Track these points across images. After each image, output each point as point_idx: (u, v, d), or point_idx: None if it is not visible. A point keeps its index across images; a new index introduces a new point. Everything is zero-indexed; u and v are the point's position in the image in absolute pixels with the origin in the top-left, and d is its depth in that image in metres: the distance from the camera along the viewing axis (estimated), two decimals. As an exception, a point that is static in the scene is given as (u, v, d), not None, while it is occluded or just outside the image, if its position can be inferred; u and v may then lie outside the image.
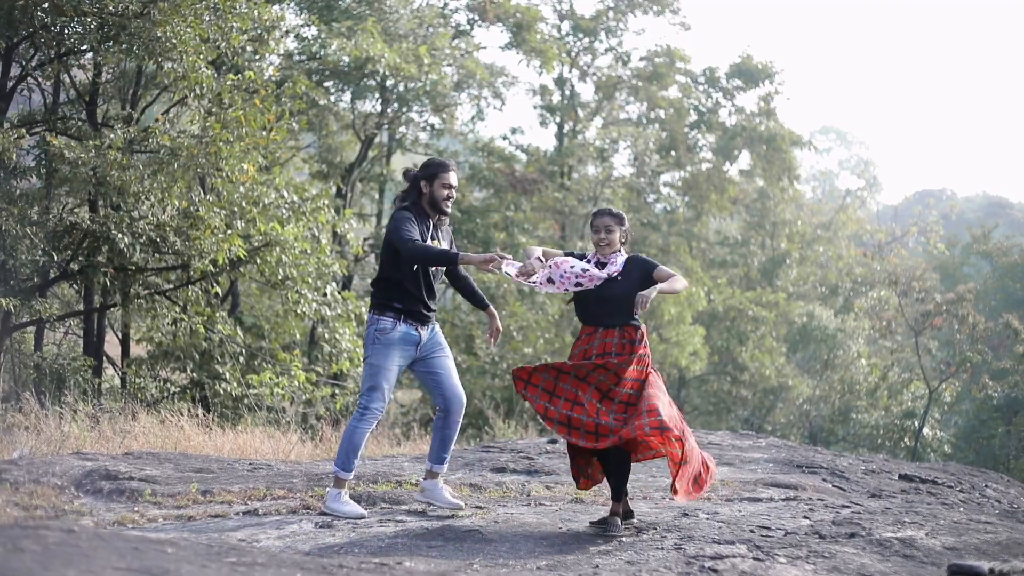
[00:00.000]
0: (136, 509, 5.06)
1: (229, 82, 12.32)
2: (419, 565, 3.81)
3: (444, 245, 5.24)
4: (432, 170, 5.20)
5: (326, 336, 15.33)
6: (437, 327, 5.35)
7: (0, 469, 5.42)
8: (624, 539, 4.83)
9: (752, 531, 5.00)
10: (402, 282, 5.11)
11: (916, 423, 25.02)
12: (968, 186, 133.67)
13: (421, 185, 5.21)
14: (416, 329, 5.16)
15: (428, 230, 5.19)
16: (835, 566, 4.11)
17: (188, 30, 11.45)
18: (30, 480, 5.30)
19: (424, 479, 5.43)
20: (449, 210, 5.26)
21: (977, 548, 4.79)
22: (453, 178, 5.23)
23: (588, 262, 5.16)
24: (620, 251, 5.21)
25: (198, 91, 12.11)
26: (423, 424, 18.05)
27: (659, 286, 5.09)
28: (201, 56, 11.73)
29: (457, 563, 4.14)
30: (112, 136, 11.46)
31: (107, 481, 5.44)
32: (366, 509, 5.42)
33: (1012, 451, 26.89)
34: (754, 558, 4.15)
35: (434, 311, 5.29)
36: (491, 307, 5.44)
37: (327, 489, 5.32)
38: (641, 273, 5.13)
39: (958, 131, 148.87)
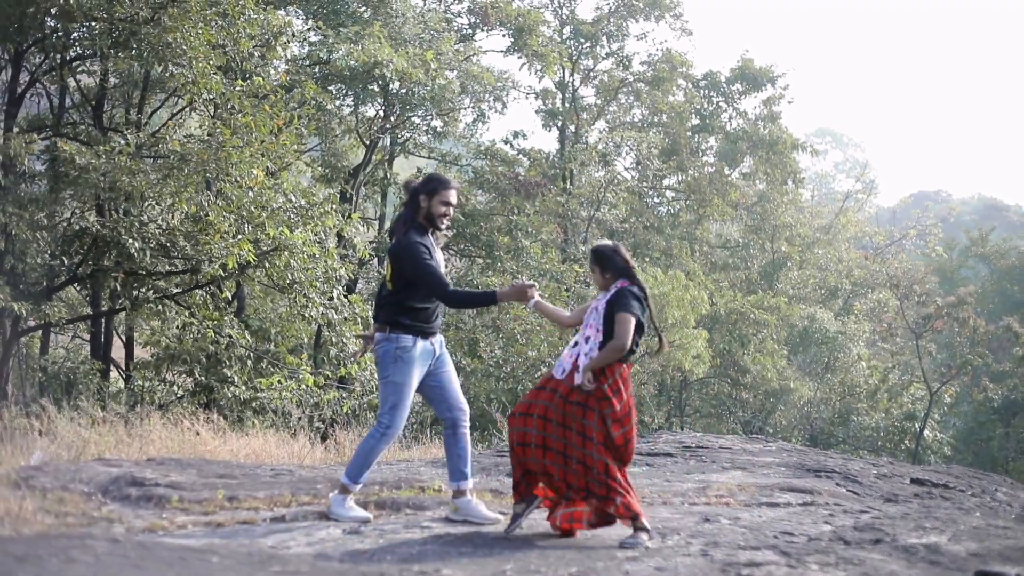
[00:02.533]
0: (164, 516, 5.08)
1: (238, 88, 12.36)
2: (456, 572, 3.84)
3: (437, 256, 5.22)
4: (432, 186, 5.19)
5: (332, 340, 15.34)
6: (442, 338, 5.37)
7: (27, 476, 5.45)
8: (650, 545, 4.87)
9: (776, 537, 5.04)
10: (419, 303, 5.14)
11: (916, 425, 25.10)
12: (963, 187, 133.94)
13: (420, 199, 5.19)
14: (432, 344, 5.20)
15: (436, 242, 5.23)
16: (866, 573, 4.15)
17: (198, 36, 11.49)
18: (58, 487, 5.33)
19: (453, 498, 5.31)
20: (443, 227, 5.23)
21: (1000, 554, 4.83)
22: (453, 196, 5.20)
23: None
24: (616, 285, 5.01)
25: (206, 95, 12.15)
26: (431, 424, 18.07)
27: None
28: (211, 62, 11.77)
29: (490, 570, 4.18)
30: (123, 142, 11.50)
31: (134, 487, 5.47)
32: (391, 515, 5.46)
33: (1011, 453, 27.00)
34: (787, 565, 4.18)
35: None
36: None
37: (331, 495, 5.28)
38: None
39: (952, 133, 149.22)
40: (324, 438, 11.76)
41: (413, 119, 21.44)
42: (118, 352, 17.36)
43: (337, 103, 19.95)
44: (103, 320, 14.63)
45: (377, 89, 19.81)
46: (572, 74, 25.86)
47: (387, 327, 5.14)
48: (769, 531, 5.19)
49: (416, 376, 5.13)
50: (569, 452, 4.86)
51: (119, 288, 12.59)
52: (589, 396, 4.86)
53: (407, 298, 5.13)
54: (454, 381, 5.32)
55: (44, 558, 2.83)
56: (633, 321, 4.87)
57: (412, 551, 4.55)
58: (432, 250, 5.18)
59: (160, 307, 13.69)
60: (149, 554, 3.21)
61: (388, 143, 22.13)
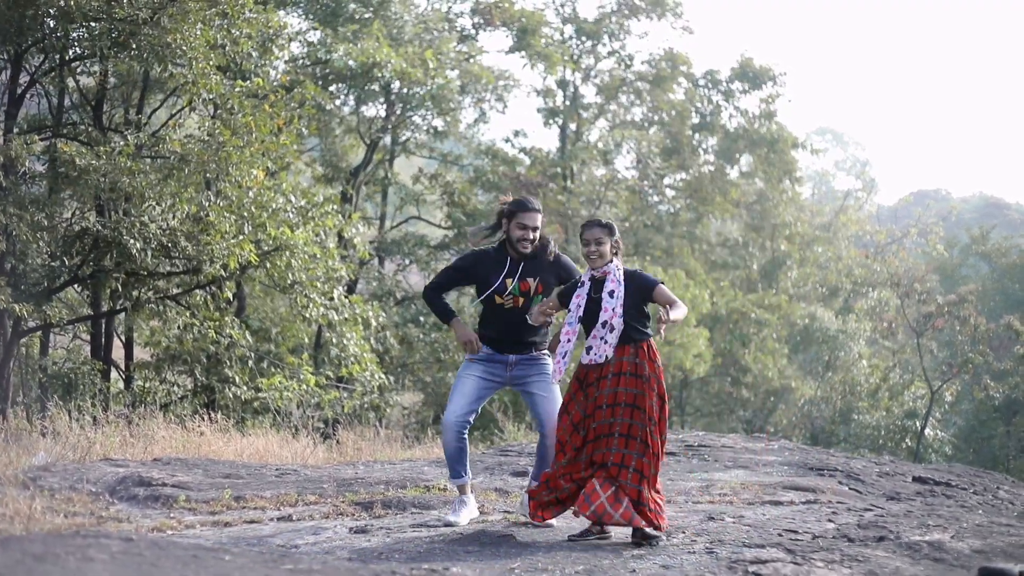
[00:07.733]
0: (172, 516, 5.11)
1: (238, 88, 12.38)
2: (465, 571, 3.87)
3: (532, 284, 5.04)
4: (511, 208, 5.06)
5: (333, 340, 15.37)
6: (541, 355, 5.18)
7: (35, 476, 5.47)
8: (656, 543, 4.89)
9: (780, 534, 5.07)
10: (484, 313, 5.20)
11: (917, 424, 25.15)
12: (963, 186, 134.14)
13: (503, 222, 5.10)
14: (503, 353, 5.12)
15: (506, 267, 5.03)
16: (871, 570, 4.18)
17: (198, 36, 11.49)
18: (66, 487, 5.35)
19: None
20: (526, 251, 5.03)
21: (1003, 551, 4.85)
22: (531, 219, 4.99)
23: (581, 282, 4.96)
24: (613, 262, 4.91)
25: (206, 96, 12.16)
26: (432, 424, 18.09)
27: (675, 314, 4.78)
28: (211, 62, 11.78)
29: (498, 569, 4.20)
30: (123, 143, 11.50)
31: (141, 487, 5.50)
32: (397, 514, 5.48)
33: (1011, 451, 27.04)
34: (793, 563, 4.21)
35: (524, 341, 5.13)
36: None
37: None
38: (638, 290, 4.86)
39: (952, 132, 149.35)
40: (326, 438, 11.80)
41: (414, 119, 21.46)
42: (117, 353, 17.37)
43: (337, 103, 19.96)
44: (103, 321, 14.64)
45: (378, 89, 19.83)
46: (573, 72, 25.88)
47: None
48: (773, 529, 5.22)
49: (471, 375, 5.09)
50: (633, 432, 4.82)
51: (120, 289, 12.59)
52: (650, 378, 4.84)
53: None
54: (538, 402, 5.16)
55: (62, 556, 2.86)
56: None
57: (420, 549, 4.58)
58: (501, 267, 5.02)
59: (161, 308, 13.70)
60: (164, 553, 3.24)
61: (389, 142, 22.14)
